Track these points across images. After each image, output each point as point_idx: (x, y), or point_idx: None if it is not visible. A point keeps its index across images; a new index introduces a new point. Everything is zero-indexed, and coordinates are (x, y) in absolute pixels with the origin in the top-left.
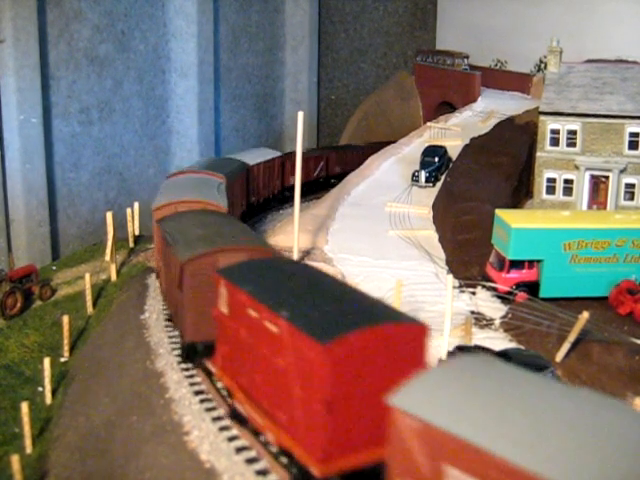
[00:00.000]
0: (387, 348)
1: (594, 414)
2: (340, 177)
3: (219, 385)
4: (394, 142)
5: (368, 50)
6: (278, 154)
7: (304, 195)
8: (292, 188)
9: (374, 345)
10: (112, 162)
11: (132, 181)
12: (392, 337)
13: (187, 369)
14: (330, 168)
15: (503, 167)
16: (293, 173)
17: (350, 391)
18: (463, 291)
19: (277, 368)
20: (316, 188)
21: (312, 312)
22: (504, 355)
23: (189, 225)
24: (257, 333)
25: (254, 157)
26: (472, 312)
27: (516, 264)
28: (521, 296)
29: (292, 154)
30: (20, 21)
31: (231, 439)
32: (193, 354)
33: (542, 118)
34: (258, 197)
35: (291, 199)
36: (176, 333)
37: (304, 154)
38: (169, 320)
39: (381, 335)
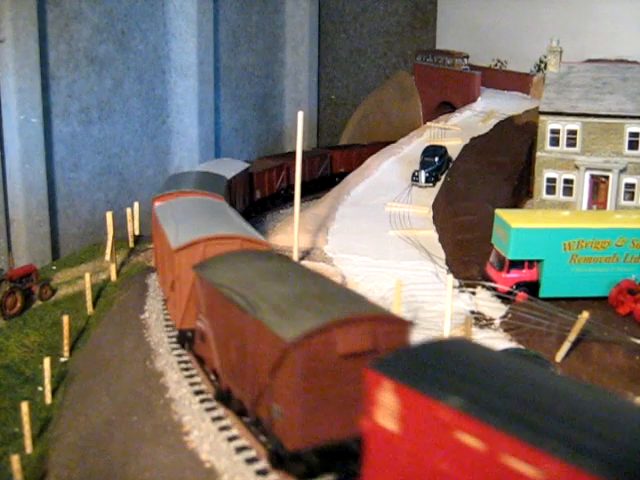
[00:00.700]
0: None
1: None
2: (302, 187)
3: None
4: (394, 142)
5: (368, 50)
6: (246, 165)
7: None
8: (259, 203)
9: None
10: (112, 162)
11: (132, 181)
12: None
13: (187, 369)
14: (291, 178)
15: (503, 167)
16: (259, 186)
17: None
18: (463, 291)
19: None
20: (277, 201)
21: (600, 445)
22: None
23: (257, 278)
24: (482, 471)
25: (226, 170)
26: (472, 312)
27: (516, 264)
28: (521, 296)
29: (254, 163)
30: (20, 21)
31: (231, 439)
32: (297, 465)
33: (542, 118)
34: None
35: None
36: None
37: (261, 164)
38: (233, 407)
39: None
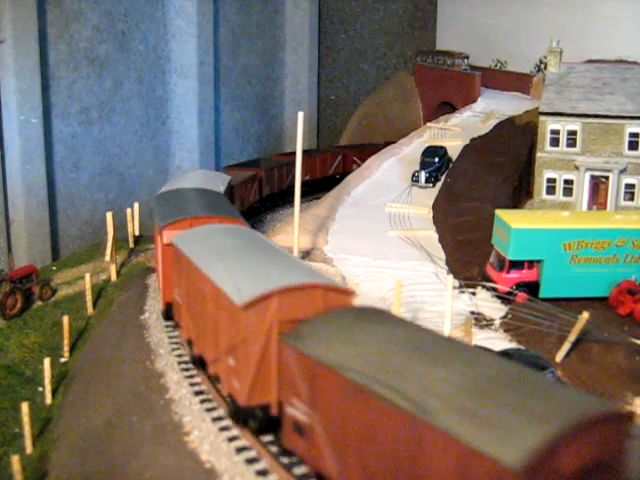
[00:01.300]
0: None
1: None
2: (271, 199)
3: None
4: (394, 142)
5: (368, 50)
6: (228, 178)
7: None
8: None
9: None
10: (112, 162)
11: (132, 181)
12: None
13: (187, 369)
14: (264, 190)
15: (503, 167)
16: (238, 199)
17: None
18: (463, 291)
19: None
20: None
21: None
22: (504, 355)
23: (389, 354)
24: None
25: (213, 184)
26: (472, 312)
27: (516, 264)
28: (521, 296)
29: (230, 169)
30: (20, 21)
31: (231, 439)
32: None
33: (542, 118)
34: None
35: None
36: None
37: (234, 176)
38: None
39: None
